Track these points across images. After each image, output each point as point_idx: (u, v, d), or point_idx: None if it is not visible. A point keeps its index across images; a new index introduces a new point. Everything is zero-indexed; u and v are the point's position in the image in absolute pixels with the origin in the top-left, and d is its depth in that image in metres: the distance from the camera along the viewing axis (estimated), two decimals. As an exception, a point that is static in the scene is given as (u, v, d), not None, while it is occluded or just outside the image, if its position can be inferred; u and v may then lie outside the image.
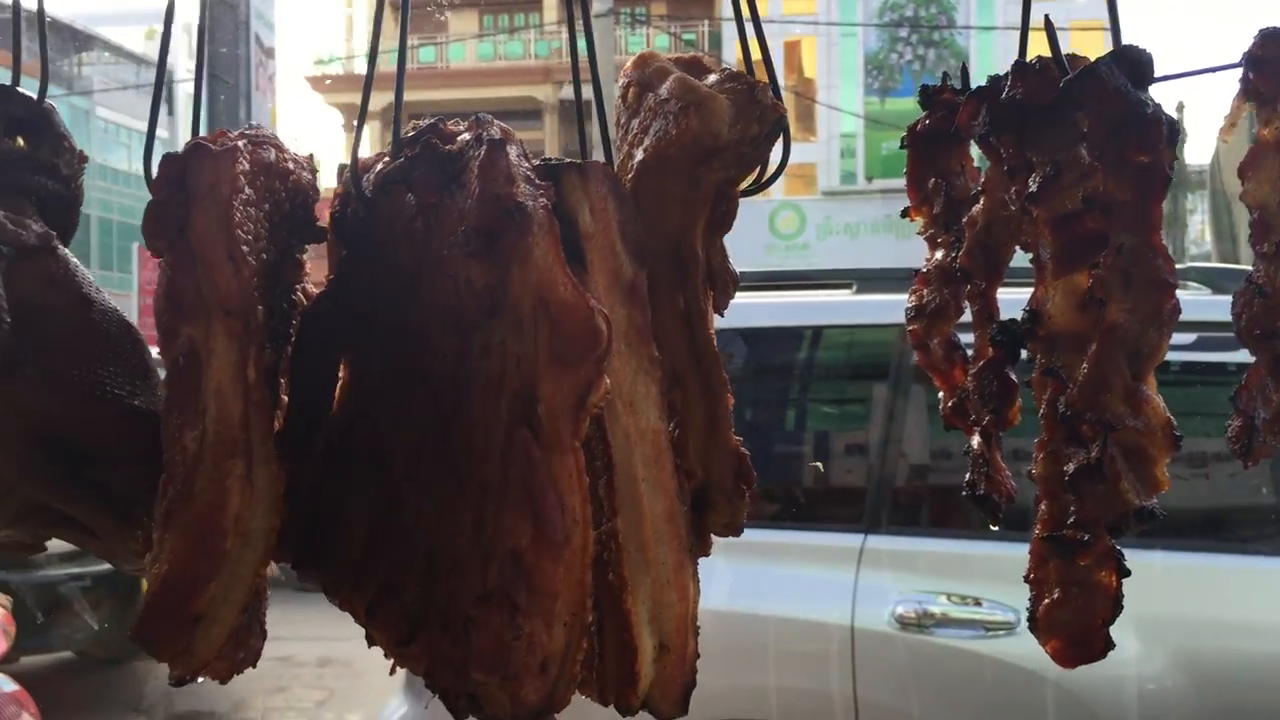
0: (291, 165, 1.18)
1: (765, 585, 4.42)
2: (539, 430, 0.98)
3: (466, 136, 1.06)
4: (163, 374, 1.26)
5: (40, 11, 1.24)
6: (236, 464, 1.01)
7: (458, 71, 34.24)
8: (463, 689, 1.04)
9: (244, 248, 1.04)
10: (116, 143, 44.12)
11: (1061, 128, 1.00)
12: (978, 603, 4.29)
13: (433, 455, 1.11)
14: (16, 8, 1.24)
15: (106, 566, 8.02)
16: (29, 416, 1.13)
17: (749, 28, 1.25)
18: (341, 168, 1.32)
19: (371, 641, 1.21)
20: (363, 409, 1.24)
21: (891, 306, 5.01)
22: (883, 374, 4.94)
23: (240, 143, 1.08)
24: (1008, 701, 4.21)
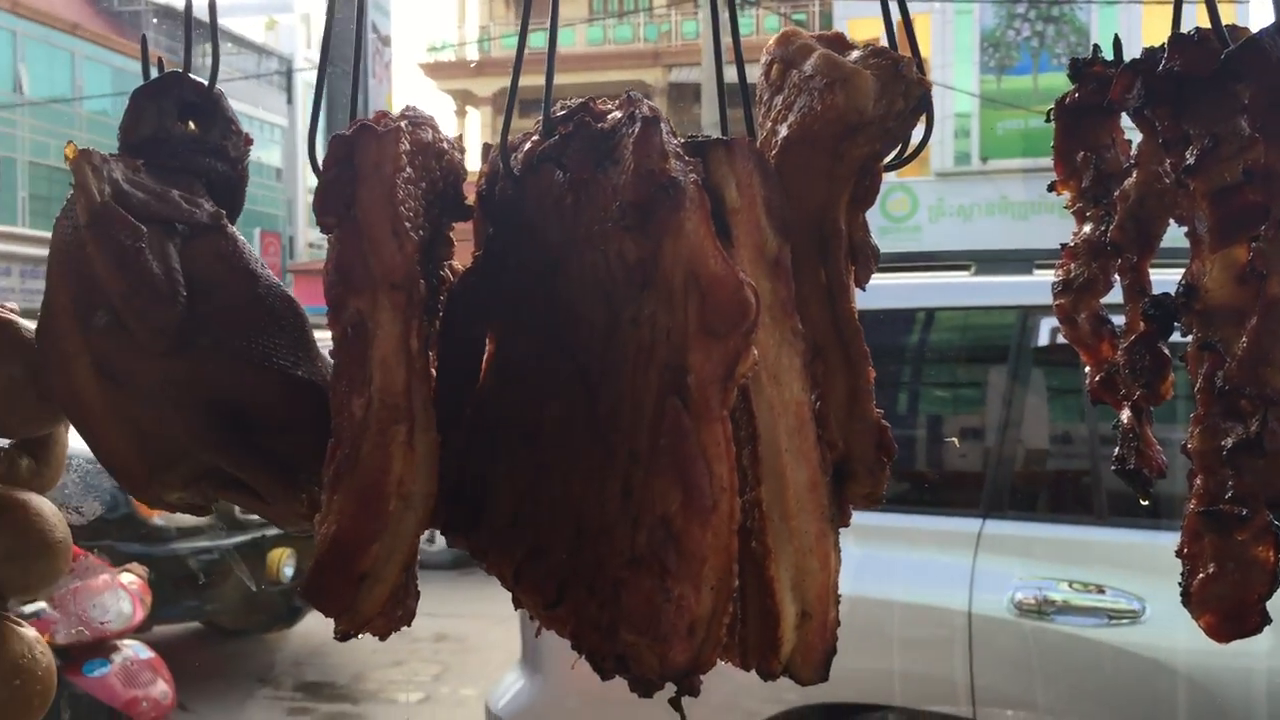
0: (445, 146, 1.22)
1: (881, 569, 4.40)
2: (689, 400, 1.01)
3: (617, 114, 1.09)
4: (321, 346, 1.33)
5: (212, 6, 1.31)
6: (400, 430, 1.06)
7: (568, 56, 34.48)
8: (610, 650, 1.07)
9: (406, 224, 1.09)
10: (239, 130, 45.29)
11: (1220, 99, 0.99)
12: (1100, 590, 4.21)
13: (581, 425, 1.15)
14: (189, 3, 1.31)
15: (232, 540, 8.32)
16: (202, 385, 1.20)
17: (893, 4, 1.26)
18: (486, 148, 1.36)
19: (518, 604, 1.25)
20: (509, 381, 1.28)
21: (1012, 288, 4.94)
22: (1001, 357, 4.86)
23: (402, 123, 1.13)
24: (1132, 691, 4.13)
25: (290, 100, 46.61)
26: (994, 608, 4.28)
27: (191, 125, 1.30)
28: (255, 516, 5.62)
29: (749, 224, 1.10)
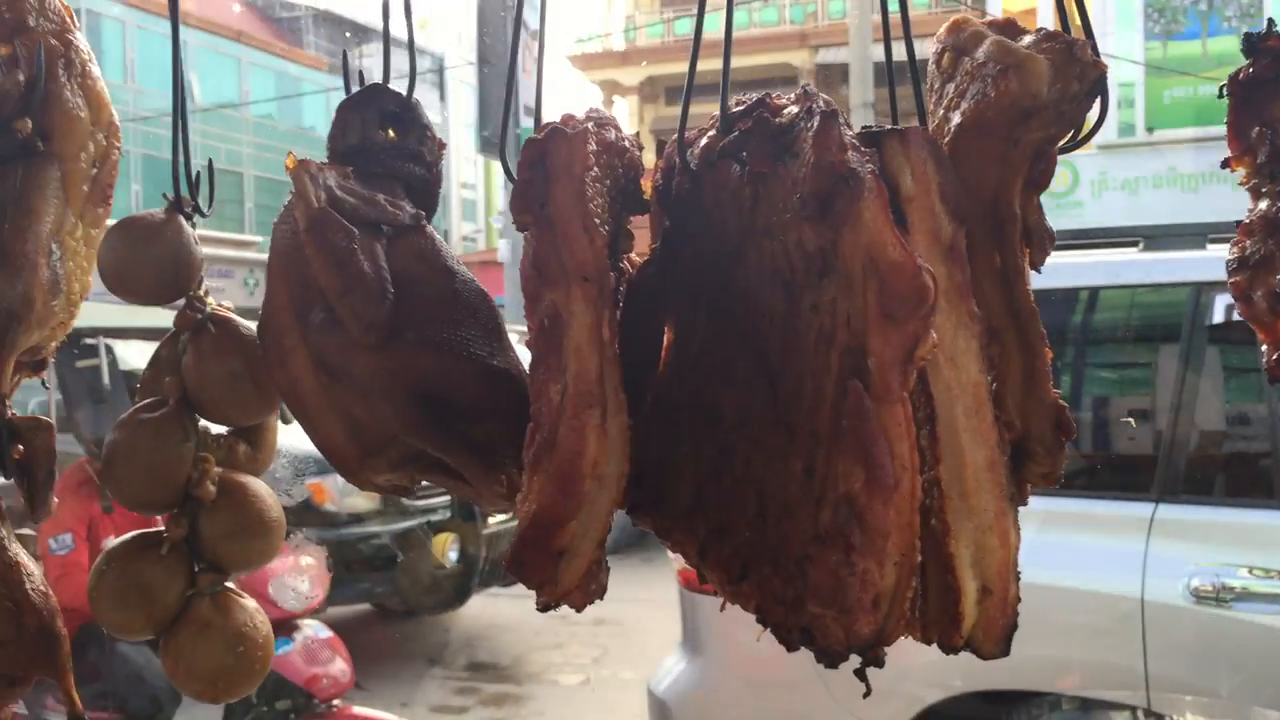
0: (627, 144, 1.28)
1: (1048, 554, 4.32)
2: (869, 382, 1.05)
3: (794, 110, 1.14)
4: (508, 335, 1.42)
5: (409, 18, 1.40)
6: (594, 414, 1.13)
7: (713, 41, 34.34)
8: (796, 623, 1.12)
9: (596, 220, 1.16)
10: (395, 129, 46.74)
11: None
12: (1283, 576, 4.05)
13: (761, 408, 1.20)
14: (386, 10, 1.40)
15: (400, 525, 8.62)
16: (408, 375, 1.29)
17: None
18: (661, 144, 1.43)
19: (703, 579, 1.31)
20: (689, 367, 1.34)
21: (1184, 264, 4.77)
22: (1173, 335, 4.70)
23: (588, 124, 1.20)
24: (1319, 681, 3.97)
25: (443, 98, 47.90)
26: (1169, 594, 4.15)
27: (391, 133, 1.39)
28: (421, 503, 5.86)
29: (924, 210, 1.13)
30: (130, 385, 5.58)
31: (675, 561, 5.09)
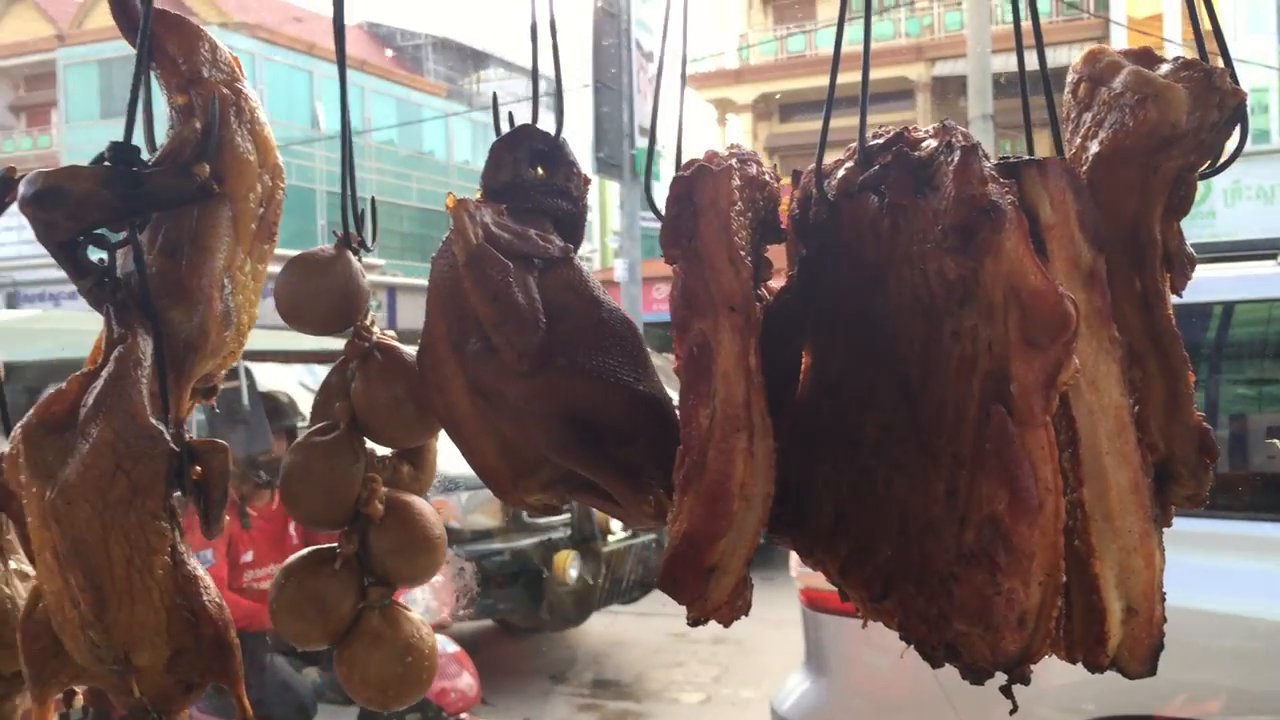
0: (767, 178, 1.34)
1: (1190, 577, 4.20)
2: (1012, 406, 1.08)
3: (933, 143, 1.18)
4: (654, 361, 1.48)
5: (557, 63, 1.48)
6: (741, 438, 1.18)
7: (827, 57, 34.03)
8: (940, 640, 1.16)
9: (742, 252, 1.21)
10: (511, 152, 47.63)
11: None
12: None
13: (902, 431, 1.24)
14: (536, 33, 1.48)
15: (524, 543, 8.75)
16: (559, 400, 1.36)
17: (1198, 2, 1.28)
18: (796, 175, 1.47)
19: (844, 597, 1.35)
20: (828, 391, 1.38)
21: (1325, 277, 4.61)
22: (1314, 351, 4.55)
23: (732, 161, 1.26)
24: None
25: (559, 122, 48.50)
26: (1314, 618, 4.02)
27: (540, 170, 1.47)
28: (543, 521, 5.95)
29: (1063, 238, 1.15)
30: (267, 406, 5.80)
31: (798, 581, 5.09)
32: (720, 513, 1.19)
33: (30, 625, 1.56)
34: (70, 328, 6.93)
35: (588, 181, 1.50)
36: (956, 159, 1.10)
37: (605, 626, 10.44)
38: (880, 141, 1.26)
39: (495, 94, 1.52)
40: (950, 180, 1.10)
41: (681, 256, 1.21)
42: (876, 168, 1.22)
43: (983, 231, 1.07)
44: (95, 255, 1.59)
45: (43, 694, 1.59)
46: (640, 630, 10.36)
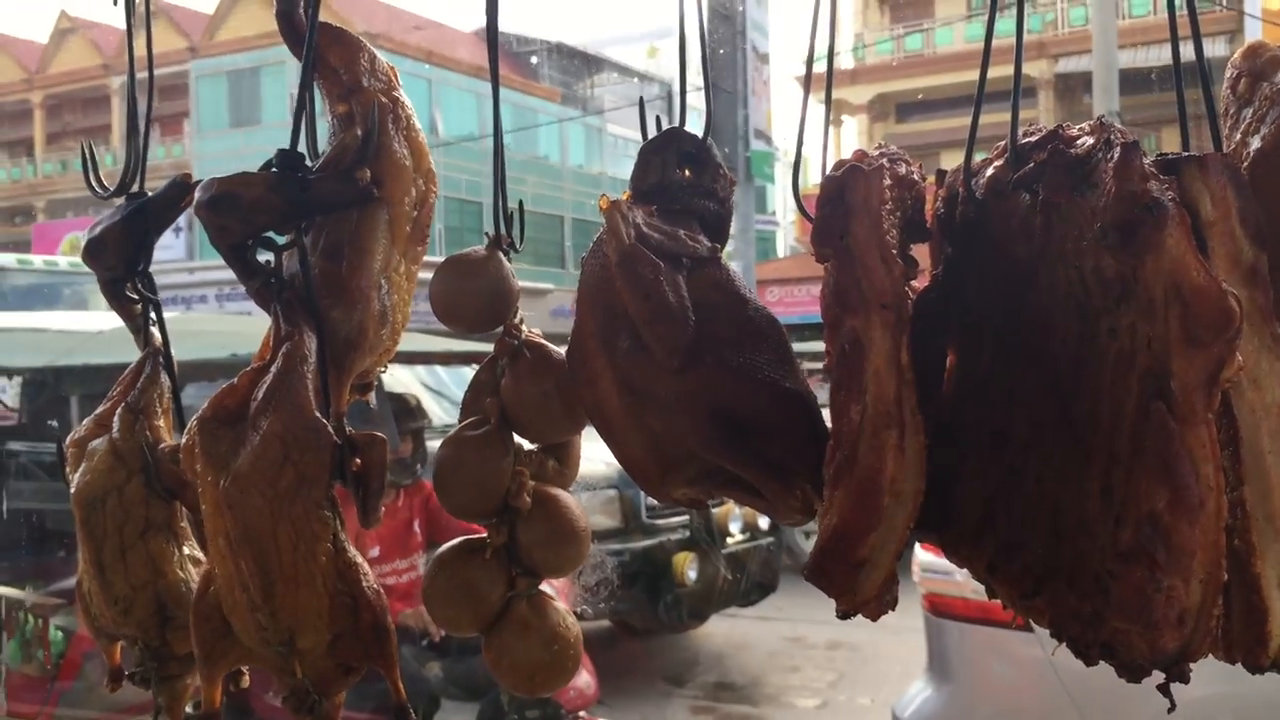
0: (916, 178, 1.35)
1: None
2: (1173, 404, 1.07)
3: (1089, 140, 1.18)
4: (798, 360, 1.50)
5: (706, 70, 1.52)
6: (891, 435, 1.20)
7: (945, 56, 33.79)
8: (1096, 638, 1.16)
9: (893, 251, 1.23)
10: (625, 156, 48.18)
11: None
12: None
13: (1053, 428, 1.24)
14: (683, 61, 1.52)
15: (643, 544, 8.79)
16: (708, 397, 1.39)
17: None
18: (942, 174, 1.48)
19: (992, 594, 1.36)
20: (975, 388, 1.38)
21: None
22: None
23: (883, 161, 1.27)
24: None
25: (670, 121, 48.68)
26: None
27: (688, 172, 1.50)
28: (662, 522, 5.99)
29: (1224, 235, 1.15)
30: (396, 407, 5.95)
31: (920, 586, 5.04)
32: (871, 507, 1.20)
33: (202, 607, 1.65)
34: (196, 329, 7.21)
35: (733, 183, 1.53)
36: (1116, 155, 1.10)
37: (723, 630, 10.45)
38: (1033, 140, 1.26)
39: (642, 98, 1.56)
40: (1110, 177, 1.10)
41: (834, 255, 1.24)
42: (1031, 165, 1.22)
43: (1144, 228, 1.07)
44: (262, 257, 1.68)
45: (212, 673, 1.68)
46: (758, 634, 10.35)
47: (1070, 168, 1.16)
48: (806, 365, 1.45)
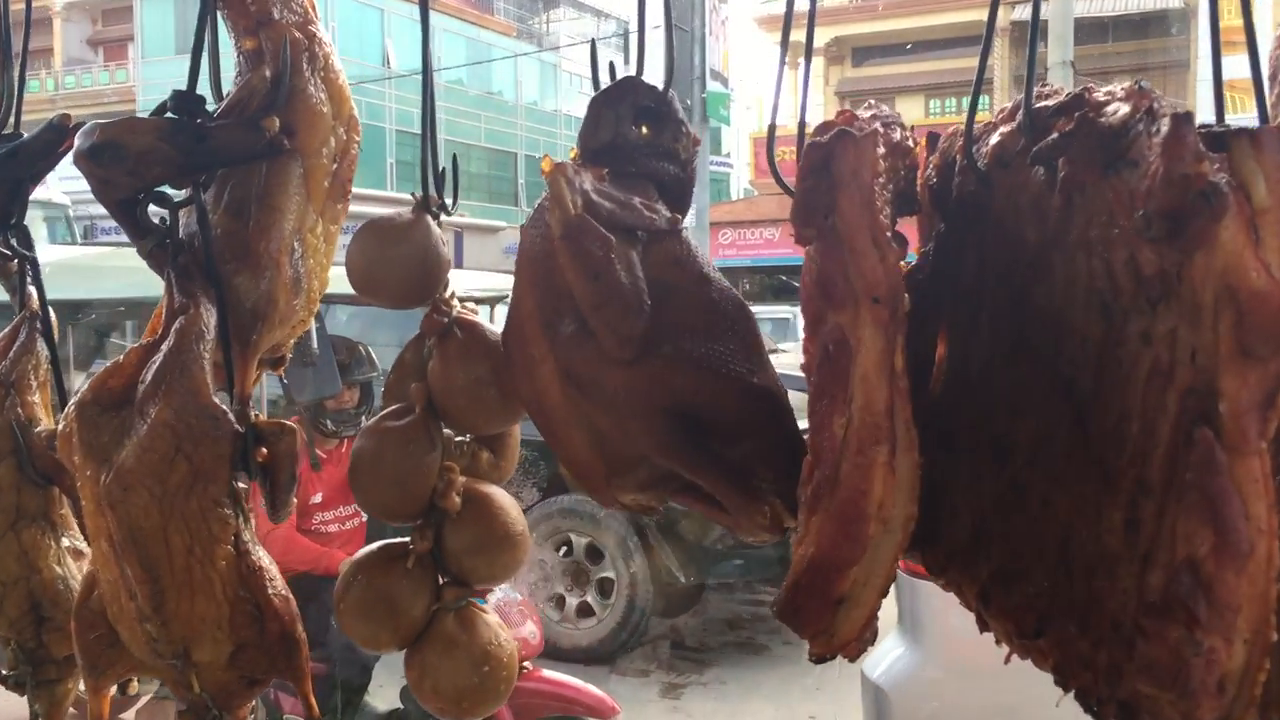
0: (910, 144, 1.16)
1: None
2: (1221, 429, 0.90)
3: (1123, 108, 0.99)
4: (773, 356, 1.31)
5: (641, 25, 1.30)
6: (881, 451, 1.02)
7: (896, 1, 33.37)
8: (1111, 695, 0.99)
9: (887, 234, 1.04)
10: (579, 92, 47.47)
11: None
12: None
13: (1065, 443, 1.06)
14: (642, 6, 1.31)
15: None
16: (663, 393, 1.20)
17: None
18: (933, 138, 1.29)
19: (984, 626, 1.19)
20: (969, 389, 1.21)
21: None
22: None
23: (876, 125, 1.08)
24: None
25: (627, 62, 48.04)
26: None
27: (644, 129, 1.30)
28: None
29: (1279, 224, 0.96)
30: (344, 358, 5.71)
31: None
32: (854, 536, 1.02)
33: (85, 614, 1.45)
34: (140, 264, 6.89)
35: (697, 142, 1.33)
36: (1165, 129, 0.91)
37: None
38: (1052, 104, 1.07)
39: (594, 40, 1.35)
40: (1158, 155, 0.91)
41: (816, 237, 1.04)
42: (1055, 136, 1.03)
43: (1197, 219, 0.88)
44: (157, 215, 1.46)
45: (99, 685, 1.48)
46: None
47: (1103, 140, 0.97)
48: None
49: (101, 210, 1.45)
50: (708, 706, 7.61)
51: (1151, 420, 0.96)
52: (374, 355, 5.83)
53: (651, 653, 8.15)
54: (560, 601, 7.91)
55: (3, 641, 1.64)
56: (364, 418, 5.65)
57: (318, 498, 5.56)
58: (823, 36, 36.54)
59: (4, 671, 1.65)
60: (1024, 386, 1.12)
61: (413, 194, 1.42)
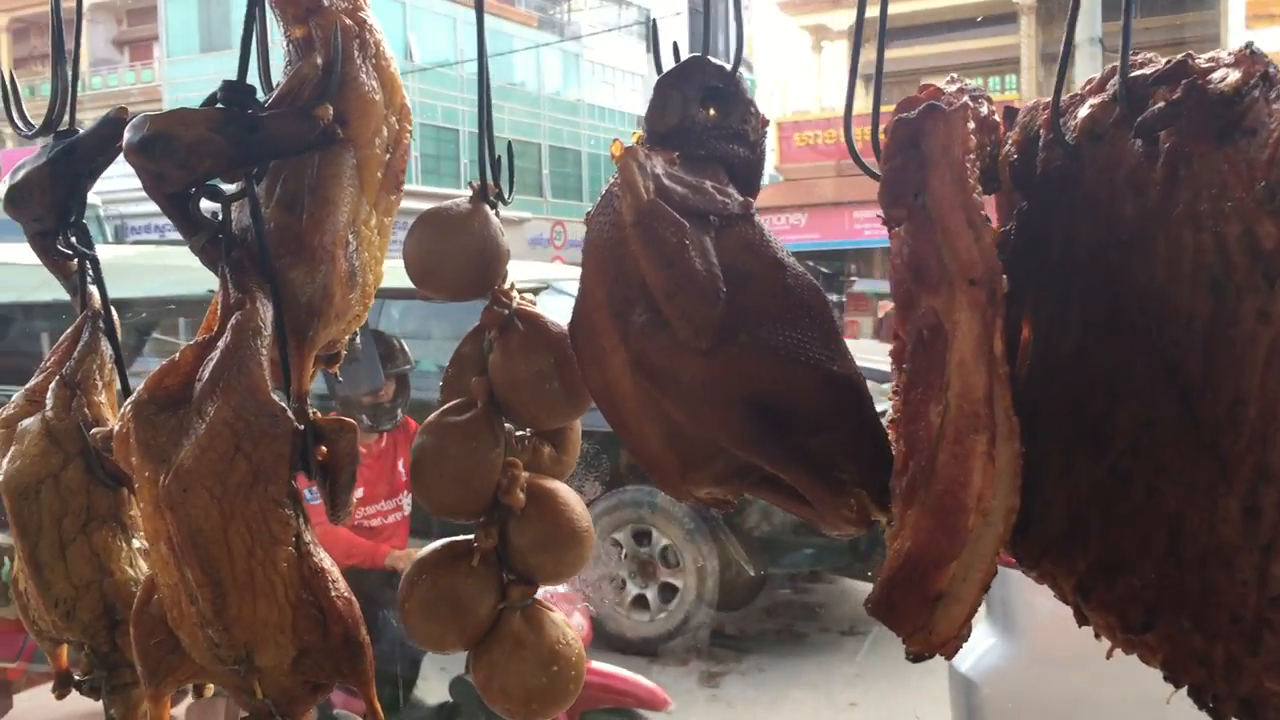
0: (997, 119, 1.11)
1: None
2: (1352, 413, 0.85)
3: (1232, 75, 0.93)
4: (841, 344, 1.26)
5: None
6: (979, 440, 0.97)
7: (932, -24, 33.05)
8: (1229, 691, 0.94)
9: (981, 212, 0.99)
10: (602, 81, 47.40)
11: None
12: None
13: (1173, 429, 1.01)
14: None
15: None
16: (740, 383, 1.16)
17: None
18: (1010, 112, 1.24)
19: (1082, 620, 1.14)
20: (1060, 371, 1.15)
21: None
22: None
23: (965, 99, 1.03)
24: None
25: (649, 49, 47.98)
26: None
27: (712, 111, 1.25)
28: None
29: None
30: (379, 349, 5.70)
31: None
32: (952, 529, 0.98)
33: (144, 619, 1.42)
34: (177, 263, 6.89)
35: (766, 123, 1.28)
36: (1286, 95, 0.85)
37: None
38: (1150, 72, 1.02)
39: (654, 21, 1.30)
40: (1277, 122, 0.86)
41: (907, 217, 0.99)
42: (1160, 106, 0.97)
43: (1326, 190, 0.83)
44: (208, 208, 1.42)
45: (158, 691, 1.45)
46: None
47: (1215, 109, 0.92)
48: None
49: (132, 209, 1.42)
50: (747, 694, 7.59)
51: (1272, 403, 0.90)
52: (408, 348, 5.83)
53: (690, 641, 8.12)
54: (620, 585, 7.86)
55: (76, 646, 1.62)
56: (400, 411, 5.64)
57: (360, 493, 5.56)
58: (846, 18, 36.30)
59: (78, 676, 1.63)
60: (1122, 369, 1.07)
61: (470, 183, 1.38)
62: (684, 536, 7.65)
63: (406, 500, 5.65)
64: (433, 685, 5.37)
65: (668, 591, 7.87)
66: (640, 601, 7.93)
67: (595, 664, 5.18)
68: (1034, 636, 4.36)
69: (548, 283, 7.52)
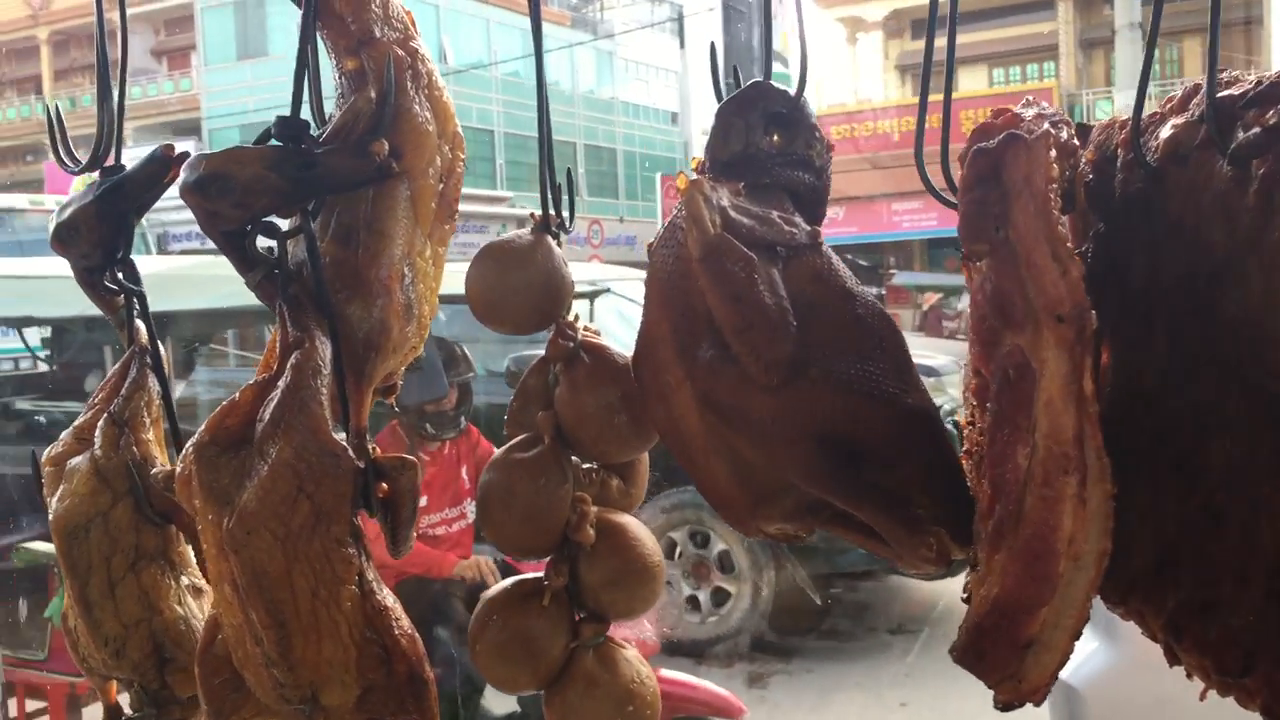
0: (1076, 143, 1.07)
1: None
2: None
3: (1333, 96, 0.89)
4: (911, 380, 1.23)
5: (767, 20, 1.22)
6: (1069, 482, 0.94)
7: (968, -35, 32.74)
8: (1338, 740, 0.90)
9: (1068, 245, 0.95)
10: (635, 79, 47.36)
11: None
12: None
13: (1269, 467, 0.97)
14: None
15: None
16: (811, 418, 1.13)
17: None
18: (1084, 130, 1.20)
19: (1173, 659, 1.10)
20: (1145, 403, 1.11)
21: None
22: None
23: (1046, 125, 0.99)
24: None
25: (682, 45, 47.90)
26: None
27: (776, 137, 1.22)
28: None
29: None
30: (442, 356, 5.69)
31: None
32: (1042, 575, 0.94)
33: (209, 659, 1.41)
34: (228, 274, 6.91)
35: (832, 147, 1.25)
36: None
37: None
38: (1238, 93, 0.98)
39: (713, 44, 1.27)
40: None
41: (989, 252, 0.96)
42: (1256, 131, 0.93)
43: None
44: (264, 244, 1.41)
45: (225, 730, 1.44)
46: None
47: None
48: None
49: (173, 217, 1.41)
50: (795, 696, 7.54)
51: (1382, 443, 0.86)
52: (470, 356, 5.83)
53: (734, 644, 8.10)
54: (673, 585, 7.83)
55: (126, 684, 1.61)
56: (463, 419, 5.64)
57: (423, 502, 5.57)
58: (880, 9, 36.00)
59: (129, 713, 1.62)
60: (1213, 403, 1.03)
61: (531, 214, 1.36)
62: (742, 544, 7.61)
63: (470, 507, 5.65)
64: (500, 695, 5.37)
65: (720, 595, 7.83)
66: (692, 603, 7.90)
67: (663, 671, 5.14)
68: (1137, 642, 4.19)
69: (597, 283, 7.50)
